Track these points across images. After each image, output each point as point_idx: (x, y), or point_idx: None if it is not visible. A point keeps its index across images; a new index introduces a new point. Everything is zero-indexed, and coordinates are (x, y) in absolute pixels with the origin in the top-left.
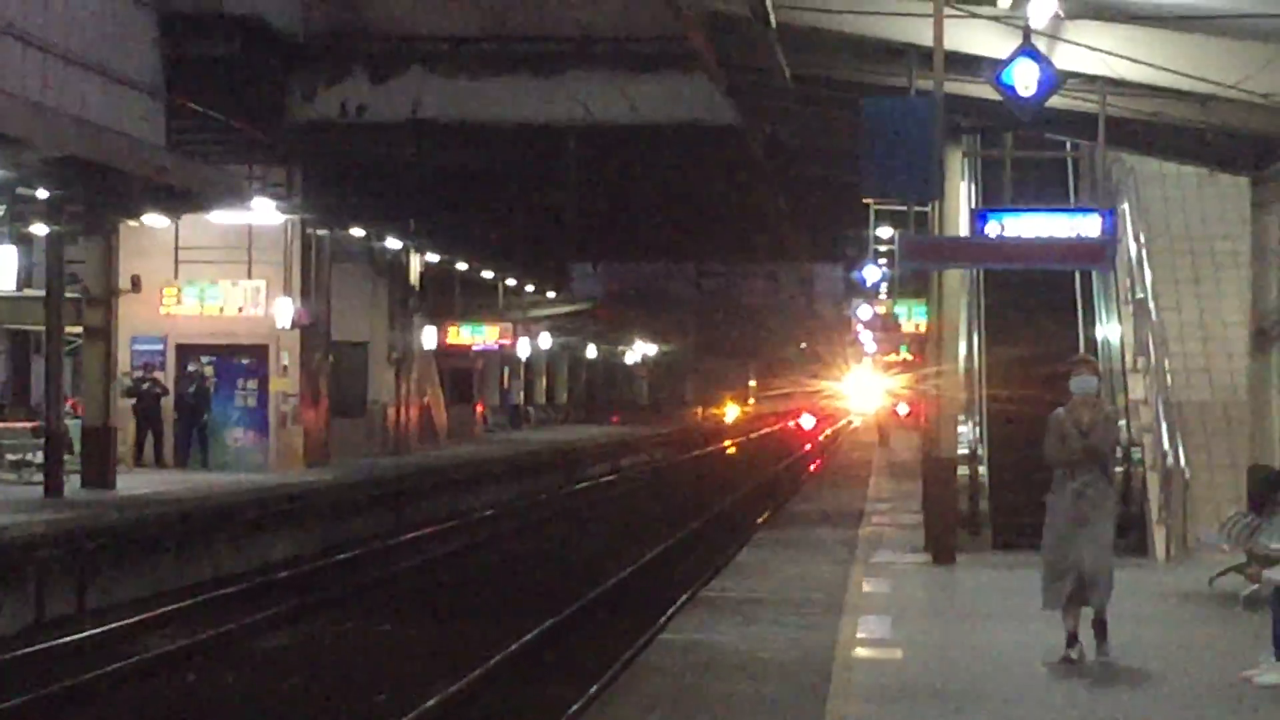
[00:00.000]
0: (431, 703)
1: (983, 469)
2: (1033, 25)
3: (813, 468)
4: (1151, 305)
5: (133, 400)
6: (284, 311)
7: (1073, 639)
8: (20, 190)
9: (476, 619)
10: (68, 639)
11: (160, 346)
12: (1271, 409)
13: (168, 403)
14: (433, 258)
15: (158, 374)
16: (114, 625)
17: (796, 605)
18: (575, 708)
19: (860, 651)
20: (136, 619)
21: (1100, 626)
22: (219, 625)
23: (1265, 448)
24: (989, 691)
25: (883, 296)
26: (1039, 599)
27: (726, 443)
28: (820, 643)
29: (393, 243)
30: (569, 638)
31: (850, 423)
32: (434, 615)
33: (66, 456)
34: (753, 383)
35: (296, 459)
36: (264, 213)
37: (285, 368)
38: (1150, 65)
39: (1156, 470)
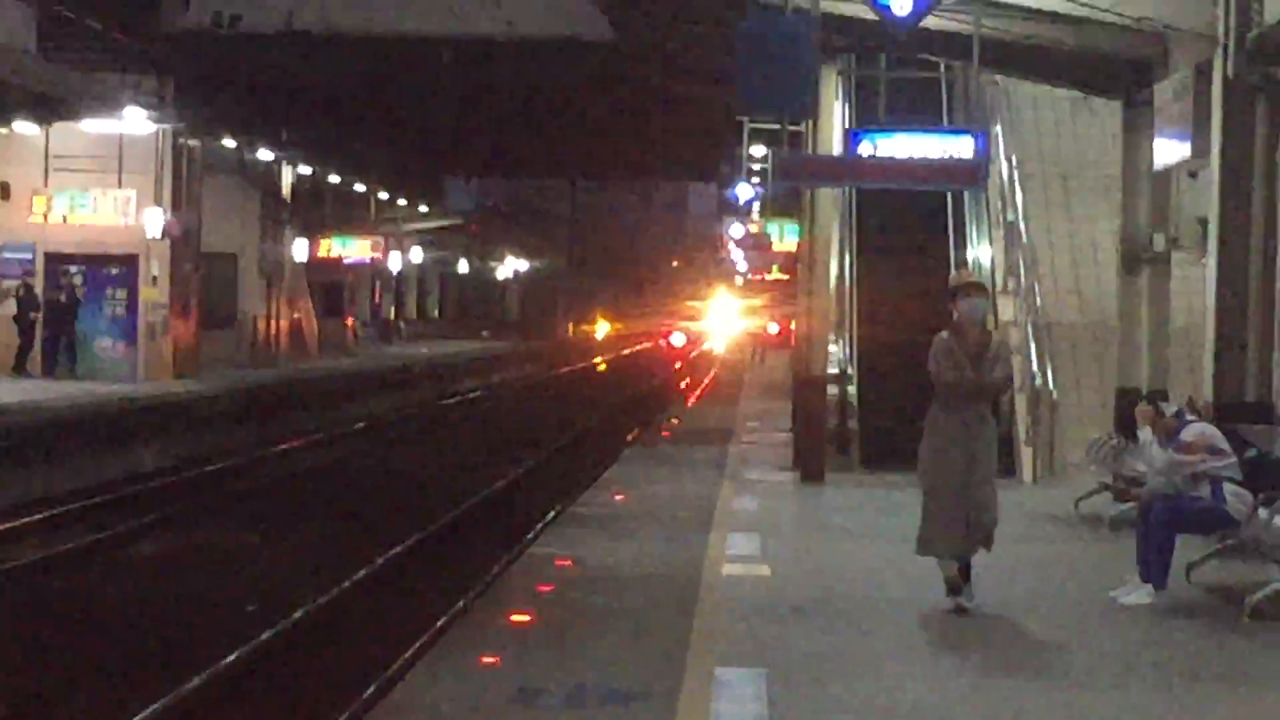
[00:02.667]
0: (300, 614)
1: (852, 388)
2: None
3: (683, 385)
4: (1023, 227)
5: (14, 309)
6: (154, 221)
7: (958, 585)
8: None
9: (346, 532)
10: None
11: (29, 255)
12: (1141, 332)
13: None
14: (305, 170)
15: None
16: None
17: (665, 521)
18: (441, 621)
19: (728, 568)
20: (4, 526)
21: (967, 571)
22: (88, 534)
23: (1133, 371)
24: (855, 609)
25: (755, 215)
26: (905, 518)
27: (597, 359)
28: (688, 559)
29: (265, 154)
30: (437, 551)
31: (711, 349)
32: (304, 527)
33: None
34: (624, 300)
35: (165, 369)
36: (135, 122)
37: (155, 278)
38: None
39: (1025, 392)
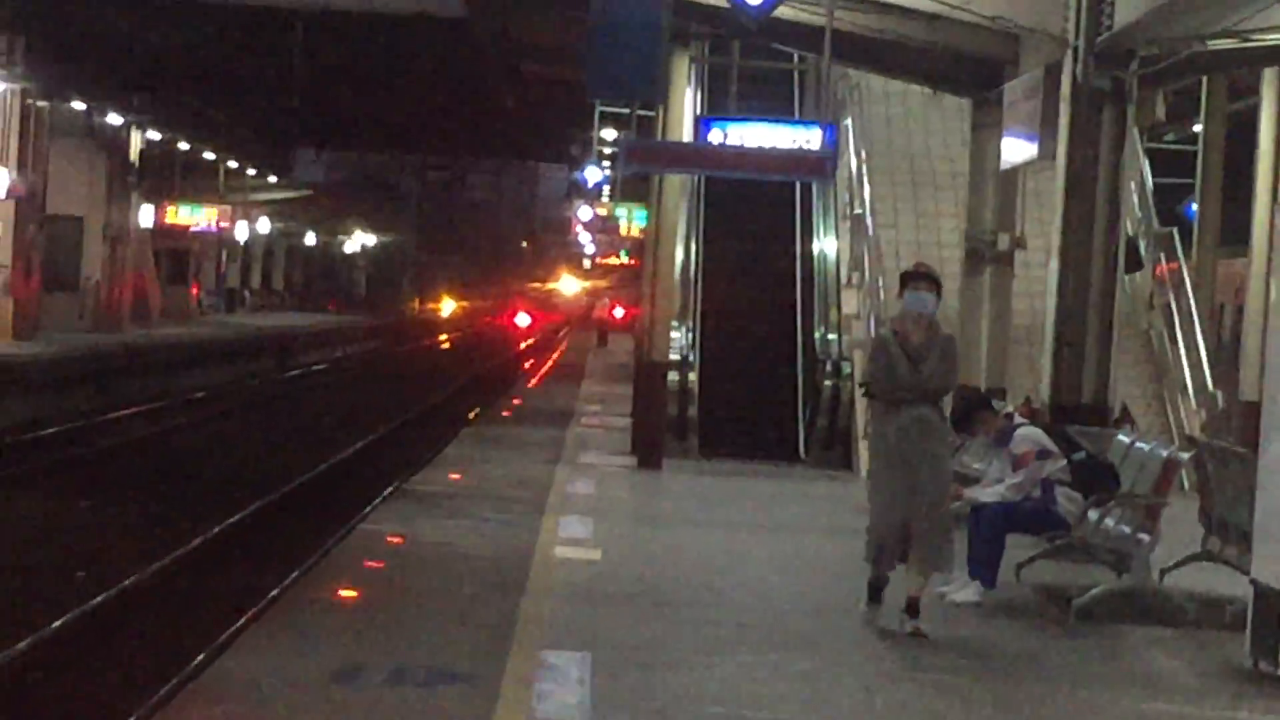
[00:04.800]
0: (129, 582)
1: (693, 375)
2: None
3: (527, 365)
4: (869, 221)
5: None
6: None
7: (876, 591)
8: None
9: (180, 502)
10: None
11: None
12: (981, 330)
13: None
14: (154, 135)
15: None
16: None
17: (499, 502)
18: (274, 593)
19: (560, 551)
20: None
21: (913, 603)
22: None
23: (972, 368)
24: (686, 597)
25: (605, 199)
26: (739, 507)
27: (442, 337)
28: (520, 540)
29: (114, 118)
30: (269, 525)
31: (561, 330)
32: (137, 496)
33: None
34: (471, 279)
35: (4, 331)
36: None
37: None
38: None
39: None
